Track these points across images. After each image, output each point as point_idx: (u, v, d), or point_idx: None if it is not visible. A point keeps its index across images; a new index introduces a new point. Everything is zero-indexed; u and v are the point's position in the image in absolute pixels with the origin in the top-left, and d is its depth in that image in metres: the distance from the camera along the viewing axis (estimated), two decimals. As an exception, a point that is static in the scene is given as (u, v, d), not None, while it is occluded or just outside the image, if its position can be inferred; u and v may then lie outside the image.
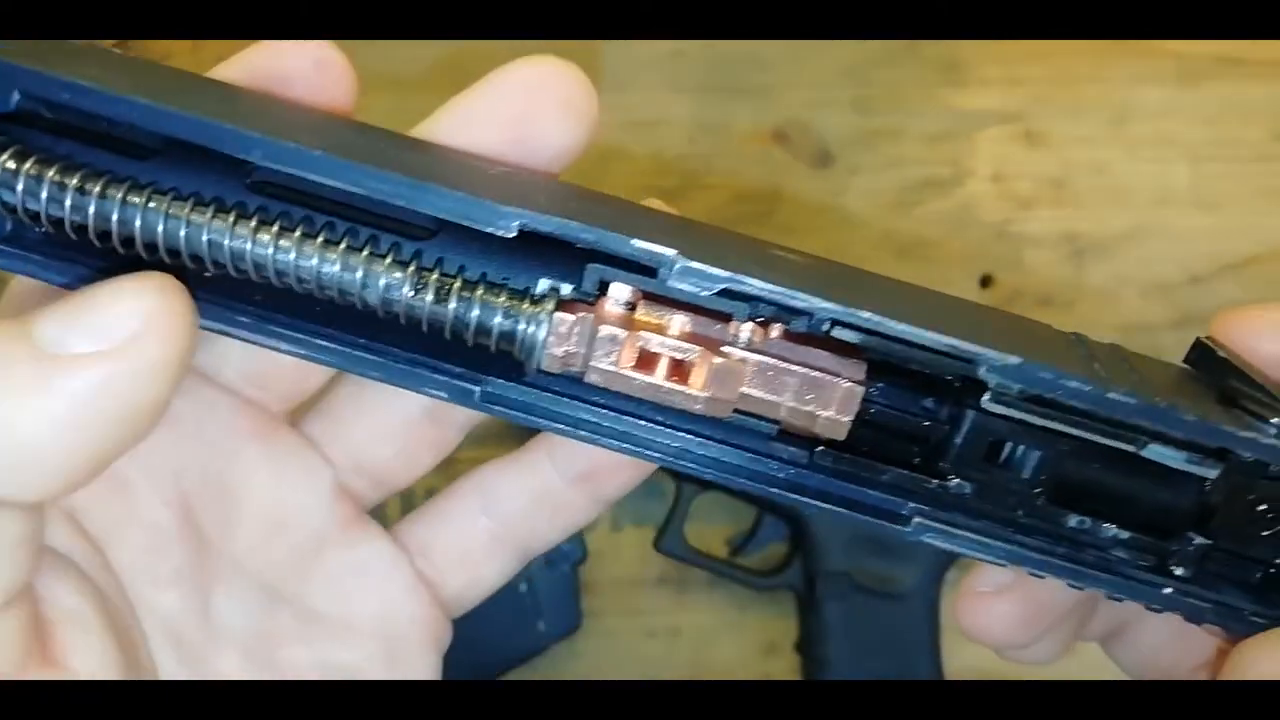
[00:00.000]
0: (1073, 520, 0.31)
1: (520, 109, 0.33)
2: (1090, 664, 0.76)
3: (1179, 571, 0.31)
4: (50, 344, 0.25)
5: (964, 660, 0.71)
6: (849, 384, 0.29)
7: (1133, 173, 0.80)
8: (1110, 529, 0.31)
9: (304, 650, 0.38)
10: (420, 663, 0.39)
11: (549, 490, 0.39)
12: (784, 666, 0.74)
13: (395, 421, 0.39)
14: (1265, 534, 0.31)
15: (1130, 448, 0.30)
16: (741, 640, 0.75)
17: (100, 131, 0.30)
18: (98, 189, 0.28)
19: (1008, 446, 0.31)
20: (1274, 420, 0.29)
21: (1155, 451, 0.30)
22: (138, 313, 0.25)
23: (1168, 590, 0.31)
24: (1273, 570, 0.32)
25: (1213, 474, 0.30)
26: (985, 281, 0.78)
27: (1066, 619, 0.37)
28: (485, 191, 0.28)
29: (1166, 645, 0.38)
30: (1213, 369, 0.33)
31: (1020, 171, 0.80)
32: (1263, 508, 0.31)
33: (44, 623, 0.30)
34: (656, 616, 0.74)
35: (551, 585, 0.71)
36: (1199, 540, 0.31)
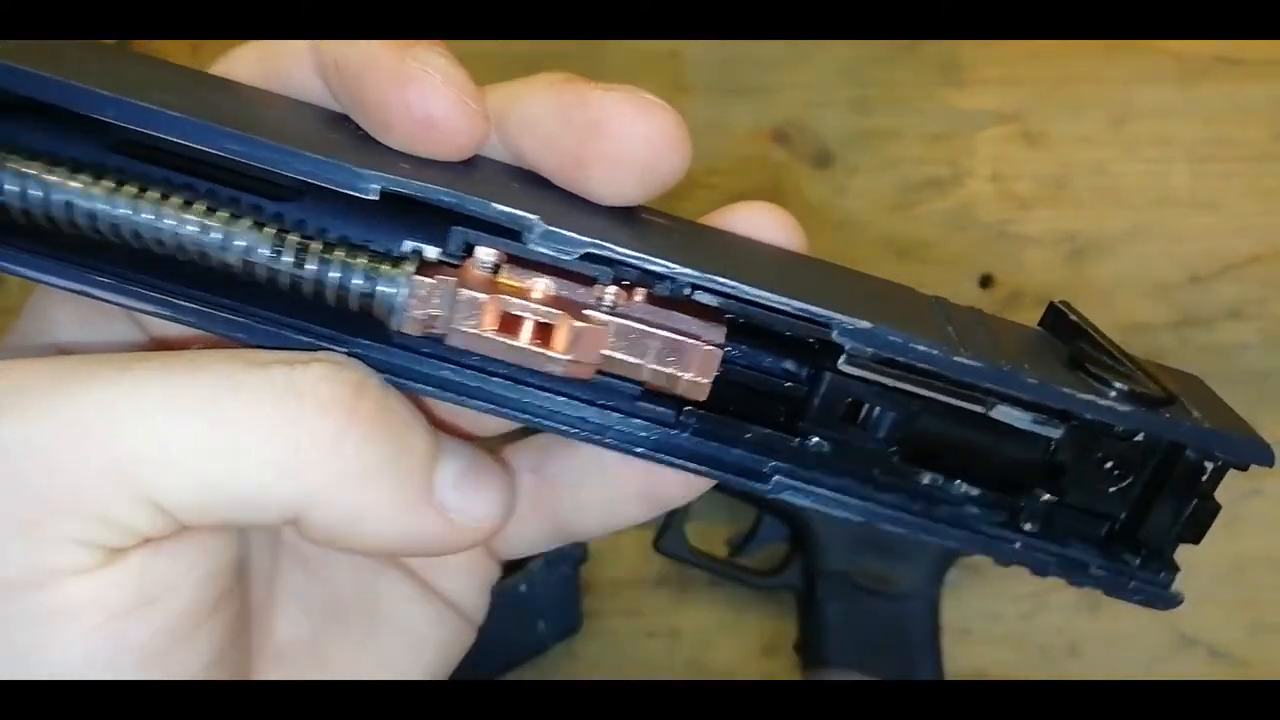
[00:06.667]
0: (926, 478, 0.32)
1: None
2: (1090, 663, 0.76)
3: (1028, 526, 0.32)
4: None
5: (964, 660, 0.71)
6: (708, 347, 0.30)
7: (1132, 172, 0.80)
8: (961, 486, 0.32)
9: None
10: None
11: None
12: (784, 666, 0.74)
13: None
14: (1112, 490, 0.32)
15: (979, 409, 0.31)
16: (741, 640, 0.75)
17: None
18: None
19: (864, 407, 0.32)
20: (1116, 384, 0.30)
21: (1002, 412, 0.31)
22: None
23: (1016, 544, 0.32)
24: (1118, 525, 0.33)
25: (1056, 434, 0.31)
26: (985, 281, 0.78)
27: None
28: (349, 155, 0.28)
29: None
30: (1064, 332, 0.34)
31: (1019, 171, 0.80)
32: (1109, 465, 0.32)
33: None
34: (656, 617, 0.74)
35: (551, 585, 0.71)
36: (1046, 497, 0.32)
